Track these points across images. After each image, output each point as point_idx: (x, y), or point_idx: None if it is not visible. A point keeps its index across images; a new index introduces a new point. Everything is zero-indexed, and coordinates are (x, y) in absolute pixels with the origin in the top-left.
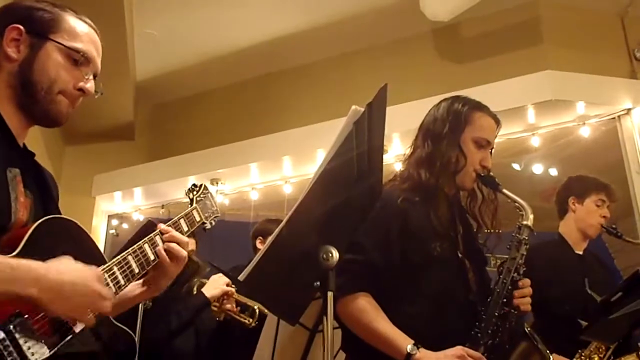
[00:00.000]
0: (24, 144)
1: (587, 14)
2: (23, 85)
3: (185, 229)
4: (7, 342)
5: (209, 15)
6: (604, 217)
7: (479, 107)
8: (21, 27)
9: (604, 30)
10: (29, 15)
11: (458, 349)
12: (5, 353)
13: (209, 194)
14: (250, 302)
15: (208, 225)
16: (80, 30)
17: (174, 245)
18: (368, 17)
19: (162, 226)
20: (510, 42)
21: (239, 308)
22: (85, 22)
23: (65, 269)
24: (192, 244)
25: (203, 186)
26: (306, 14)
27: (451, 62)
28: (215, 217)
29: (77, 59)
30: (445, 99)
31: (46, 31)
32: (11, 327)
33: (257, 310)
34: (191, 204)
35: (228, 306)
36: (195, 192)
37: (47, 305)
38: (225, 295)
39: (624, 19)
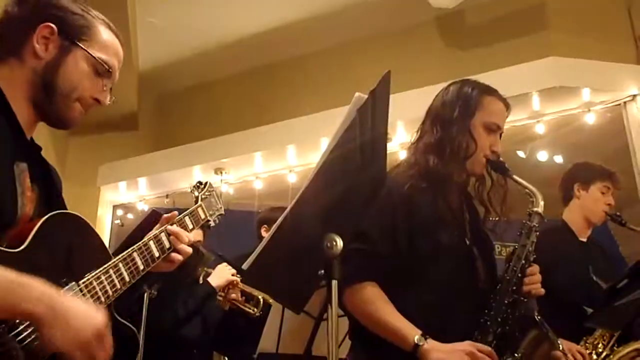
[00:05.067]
0: (31, 138)
1: (592, 0)
2: (45, 85)
3: (190, 226)
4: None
5: (212, 3)
6: (608, 204)
7: (489, 91)
8: (54, 27)
9: (609, 16)
10: (63, 17)
11: (467, 344)
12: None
13: (213, 192)
14: (255, 292)
15: (212, 223)
16: (109, 42)
17: (182, 246)
18: (372, 4)
19: (169, 227)
20: (515, 29)
21: (244, 298)
22: (114, 33)
23: (75, 302)
24: (199, 234)
25: (208, 184)
26: (310, 2)
27: (455, 49)
28: (219, 215)
29: (100, 70)
30: (453, 83)
31: (78, 37)
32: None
33: (261, 300)
34: (196, 201)
35: (233, 295)
36: (200, 190)
37: (47, 328)
38: (230, 284)
39: (630, 5)
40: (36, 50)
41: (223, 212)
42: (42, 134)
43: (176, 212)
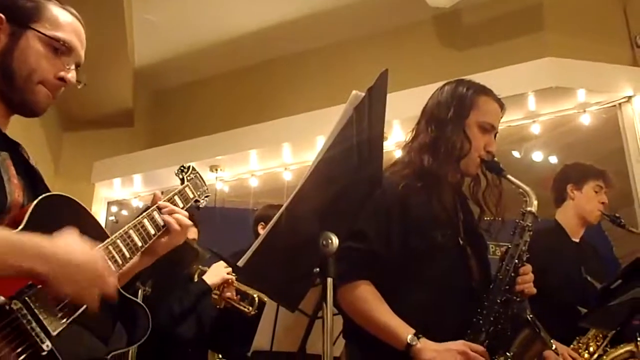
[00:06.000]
0: (5, 134)
1: (588, 1)
2: (3, 73)
3: (181, 205)
4: (25, 311)
5: (208, 1)
6: (602, 202)
7: (484, 91)
8: (2, 16)
9: (605, 17)
10: (11, 4)
11: (460, 343)
12: (25, 321)
13: (197, 174)
14: (250, 291)
15: (201, 203)
16: (62, 20)
17: (177, 215)
18: (369, 3)
19: (160, 203)
20: (511, 29)
21: (239, 296)
22: (69, 12)
23: (72, 248)
24: (193, 232)
25: (191, 167)
26: (306, 0)
27: (452, 49)
28: (206, 195)
29: (58, 47)
30: (448, 82)
31: (27, 20)
32: (26, 297)
33: (256, 299)
34: (182, 183)
35: (228, 294)
36: (185, 173)
37: (55, 283)
38: (225, 283)
39: (626, 6)
40: None
41: (209, 193)
42: (35, 130)
43: (159, 193)
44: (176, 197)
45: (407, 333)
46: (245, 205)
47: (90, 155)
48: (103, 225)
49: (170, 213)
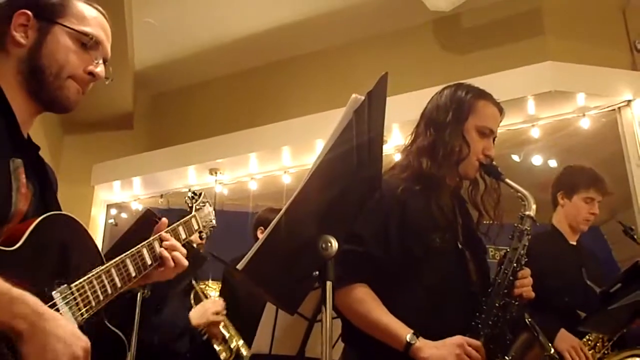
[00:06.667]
0: (28, 136)
1: (588, 5)
2: (32, 70)
3: (183, 236)
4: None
5: (208, 4)
6: (592, 213)
7: (483, 95)
8: (29, 12)
9: (604, 21)
10: (36, 1)
11: (458, 338)
12: None
13: (207, 203)
14: (234, 338)
15: (204, 235)
16: (88, 15)
17: (176, 253)
18: (368, 6)
19: (162, 234)
20: (511, 33)
21: (222, 336)
22: (94, 7)
23: (61, 323)
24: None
25: (202, 194)
26: (306, 3)
27: (451, 53)
28: (211, 227)
29: (86, 42)
30: (448, 86)
31: (54, 15)
32: None
33: (234, 351)
34: (190, 211)
35: (213, 331)
36: (194, 200)
37: (25, 346)
38: (211, 324)
39: (625, 10)
40: (17, 39)
41: (215, 225)
42: (36, 133)
43: (166, 220)
44: (180, 228)
45: (406, 332)
46: (244, 208)
47: (90, 158)
48: (102, 228)
49: (171, 249)
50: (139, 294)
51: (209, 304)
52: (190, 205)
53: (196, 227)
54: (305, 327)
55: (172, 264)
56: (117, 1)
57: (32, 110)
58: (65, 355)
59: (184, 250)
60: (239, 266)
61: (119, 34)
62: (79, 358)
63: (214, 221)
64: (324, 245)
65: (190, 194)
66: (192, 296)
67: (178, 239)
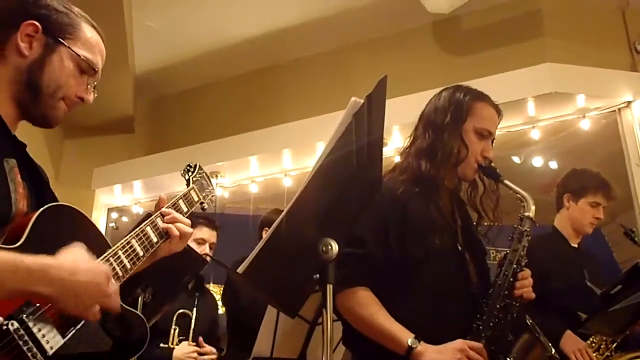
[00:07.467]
0: (14, 135)
1: (588, 6)
2: (30, 84)
3: (185, 209)
4: (22, 332)
5: (208, 7)
6: (597, 217)
7: (481, 97)
8: (38, 25)
9: (604, 22)
10: (47, 15)
11: (459, 342)
12: (21, 342)
13: (204, 174)
14: None
15: (206, 205)
16: (93, 41)
17: (179, 224)
18: (368, 9)
19: (163, 210)
20: (511, 35)
21: None
22: (96, 30)
23: (77, 267)
24: (213, 235)
25: (198, 166)
26: (306, 6)
27: (451, 55)
28: (212, 196)
29: (85, 69)
30: (446, 88)
31: (62, 35)
32: (24, 316)
33: None
34: (188, 184)
35: None
36: (191, 173)
37: (58, 302)
38: None
39: (625, 11)
40: (20, 48)
41: (215, 194)
42: (36, 137)
43: (165, 197)
44: (180, 202)
45: (407, 337)
46: (245, 211)
47: (90, 161)
48: (103, 231)
49: (173, 222)
50: (140, 298)
51: (189, 349)
52: (187, 177)
53: (196, 199)
54: (306, 330)
55: (177, 233)
56: (118, 5)
57: (14, 117)
58: (96, 294)
59: (188, 221)
60: (240, 269)
61: (120, 38)
62: (109, 291)
63: (214, 191)
64: (324, 248)
65: (185, 167)
66: (195, 299)
67: (180, 212)
